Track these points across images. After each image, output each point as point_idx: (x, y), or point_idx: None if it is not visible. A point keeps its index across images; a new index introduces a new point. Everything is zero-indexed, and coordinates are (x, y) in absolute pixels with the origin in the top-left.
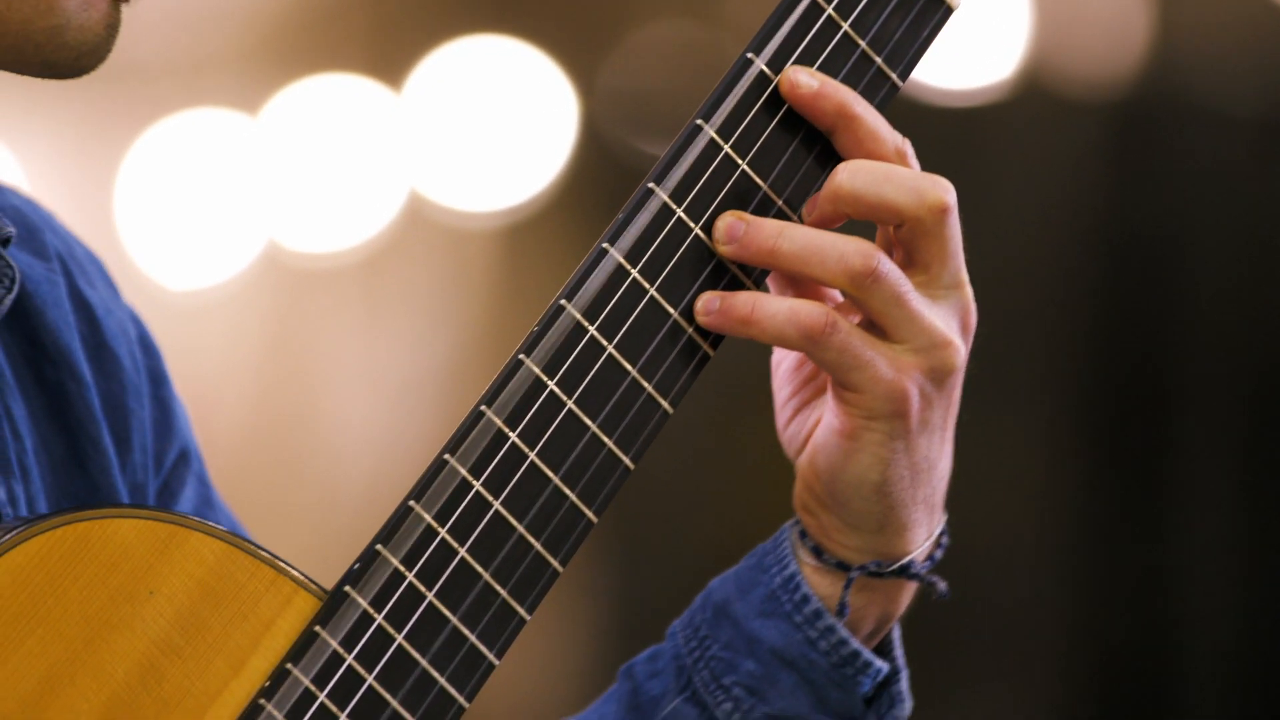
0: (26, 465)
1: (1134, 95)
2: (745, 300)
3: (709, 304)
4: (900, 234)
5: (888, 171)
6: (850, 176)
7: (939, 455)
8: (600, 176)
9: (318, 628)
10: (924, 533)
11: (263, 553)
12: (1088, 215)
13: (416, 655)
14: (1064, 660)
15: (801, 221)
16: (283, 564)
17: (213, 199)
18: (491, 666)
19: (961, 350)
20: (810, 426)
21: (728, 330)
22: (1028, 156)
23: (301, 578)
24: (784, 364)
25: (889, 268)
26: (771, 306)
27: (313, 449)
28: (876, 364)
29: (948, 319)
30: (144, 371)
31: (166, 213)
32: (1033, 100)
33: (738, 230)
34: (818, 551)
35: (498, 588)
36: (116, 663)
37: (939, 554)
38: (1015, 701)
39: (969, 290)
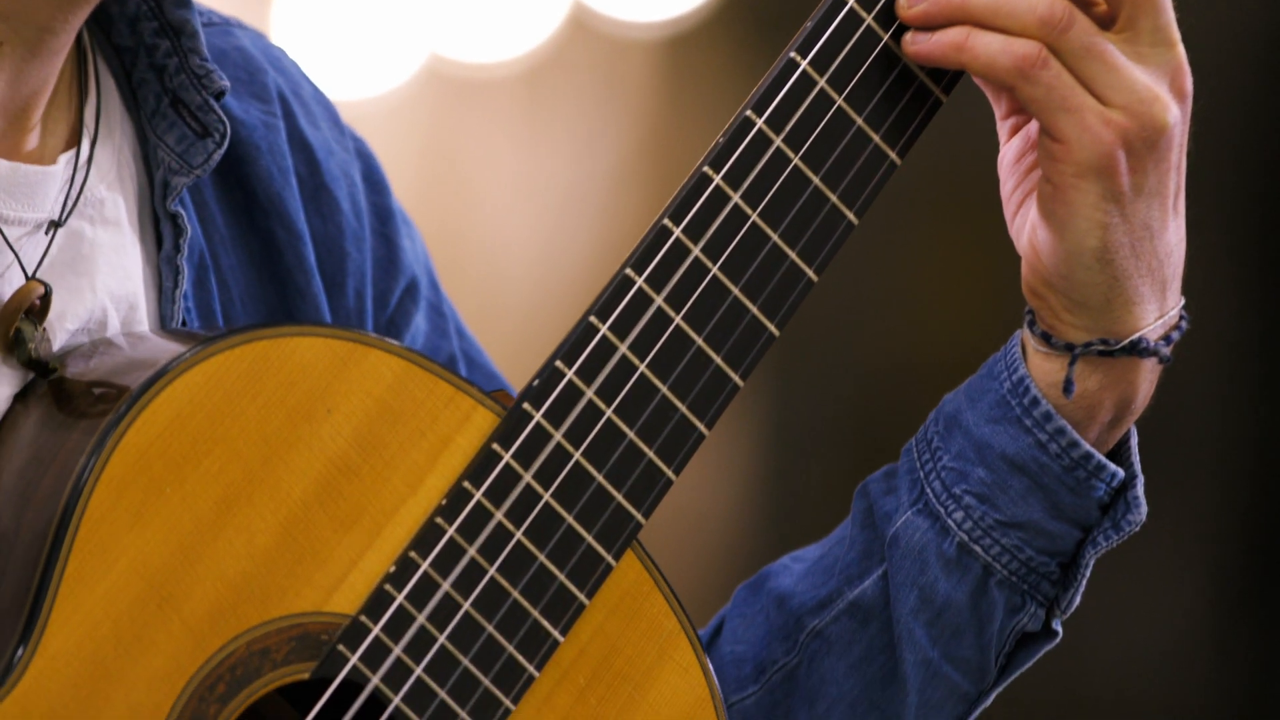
0: (232, 316)
1: None
2: (959, 30)
3: (917, 36)
4: None
5: None
6: None
7: (1161, 225)
8: None
9: (495, 445)
10: (1154, 309)
11: (442, 369)
12: None
13: (594, 472)
14: None
15: None
16: (461, 381)
17: (374, 9)
18: (669, 483)
19: (1172, 108)
20: (1035, 217)
21: (938, 57)
22: None
23: (480, 395)
24: (1007, 155)
25: (1082, 19)
26: (985, 36)
27: (473, 263)
28: (1084, 112)
29: (1155, 77)
30: (367, 210)
31: (326, 24)
32: None
33: None
34: (1046, 337)
35: (677, 403)
36: (294, 482)
37: (1176, 335)
38: None
39: (1181, 50)
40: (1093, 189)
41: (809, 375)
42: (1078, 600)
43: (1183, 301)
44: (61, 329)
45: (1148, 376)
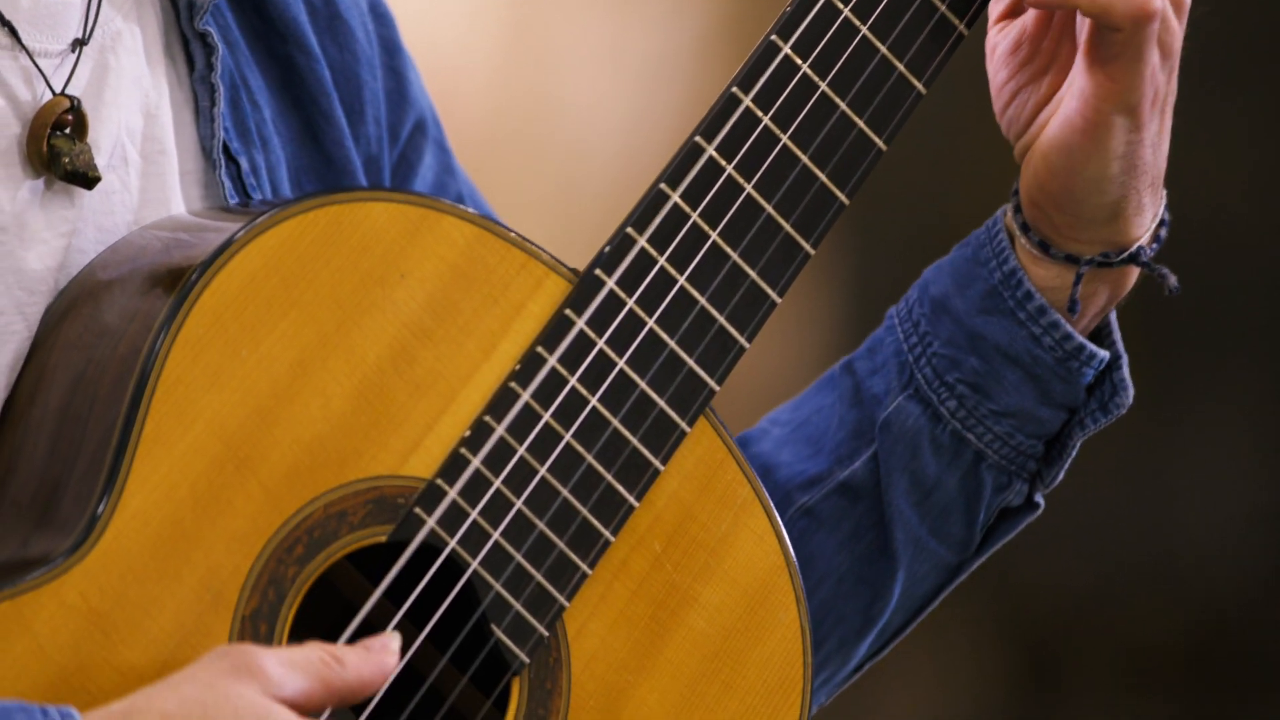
0: (266, 135)
1: None
2: None
3: None
4: None
5: None
6: None
7: (1165, 135)
8: None
9: (569, 311)
10: (1150, 216)
11: (513, 236)
12: None
13: (666, 338)
14: None
15: None
16: (533, 247)
17: None
18: (742, 349)
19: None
20: (1030, 110)
21: None
22: None
23: (552, 261)
24: (1000, 46)
25: None
26: None
27: (556, 133)
28: (1150, 62)
29: None
30: (376, 41)
31: None
32: None
33: None
34: (1044, 246)
35: (748, 270)
36: (368, 345)
37: (1164, 233)
38: None
39: None
40: (1125, 122)
41: (885, 243)
42: (1061, 475)
43: (1164, 196)
44: (96, 154)
45: (1134, 277)
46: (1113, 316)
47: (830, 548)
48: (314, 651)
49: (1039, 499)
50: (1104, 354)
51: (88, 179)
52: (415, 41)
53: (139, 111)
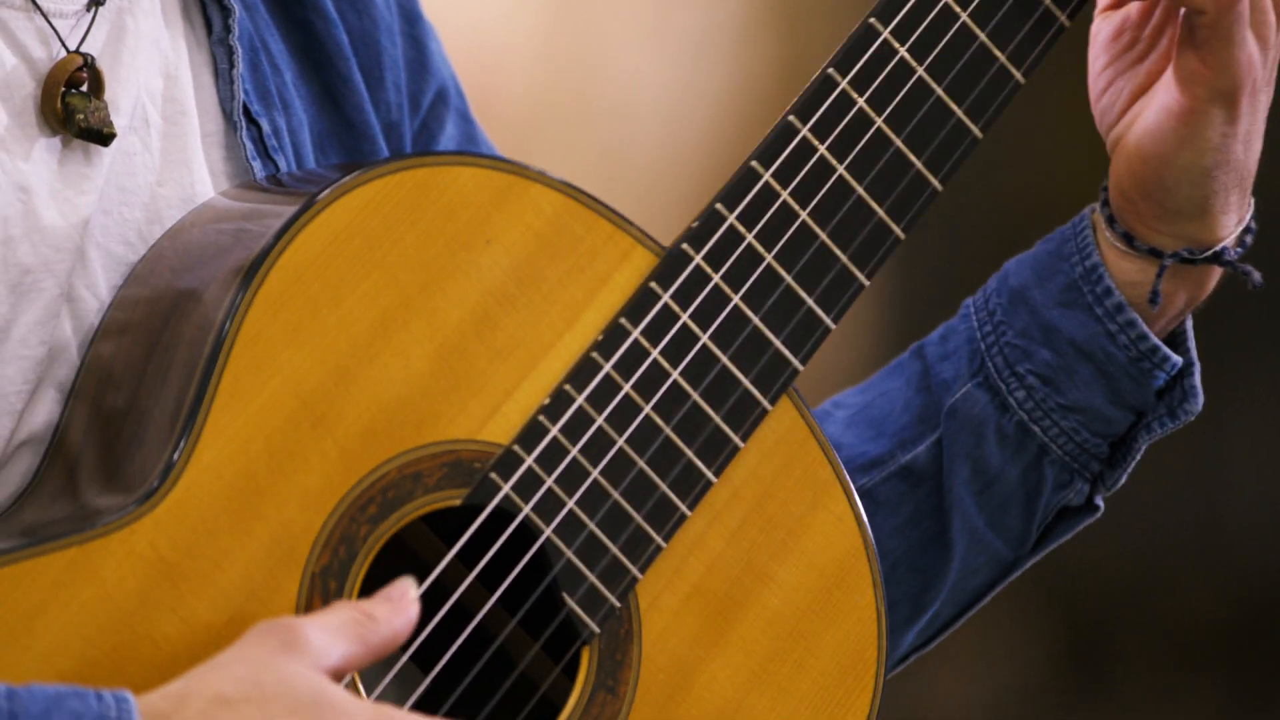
0: (287, 98)
1: None
2: None
3: None
4: None
5: None
6: None
7: (1259, 135)
8: None
9: (654, 284)
10: (1235, 218)
11: (601, 206)
12: None
13: (751, 315)
14: None
15: None
16: (621, 219)
17: None
18: (827, 330)
19: None
20: (1126, 99)
21: None
22: None
23: (639, 233)
24: (1102, 32)
25: None
26: None
27: (600, 109)
28: (1245, 45)
29: None
30: (396, 8)
31: None
32: None
33: None
34: (1129, 238)
35: (837, 251)
36: (450, 309)
37: (1249, 240)
38: None
39: None
40: (1220, 113)
41: (961, 226)
42: (1124, 479)
43: (1252, 204)
44: (117, 123)
45: (1215, 279)
46: (1188, 324)
47: (886, 531)
48: (347, 612)
49: (1099, 501)
50: (1177, 359)
51: (103, 136)
52: (460, 18)
53: (158, 73)
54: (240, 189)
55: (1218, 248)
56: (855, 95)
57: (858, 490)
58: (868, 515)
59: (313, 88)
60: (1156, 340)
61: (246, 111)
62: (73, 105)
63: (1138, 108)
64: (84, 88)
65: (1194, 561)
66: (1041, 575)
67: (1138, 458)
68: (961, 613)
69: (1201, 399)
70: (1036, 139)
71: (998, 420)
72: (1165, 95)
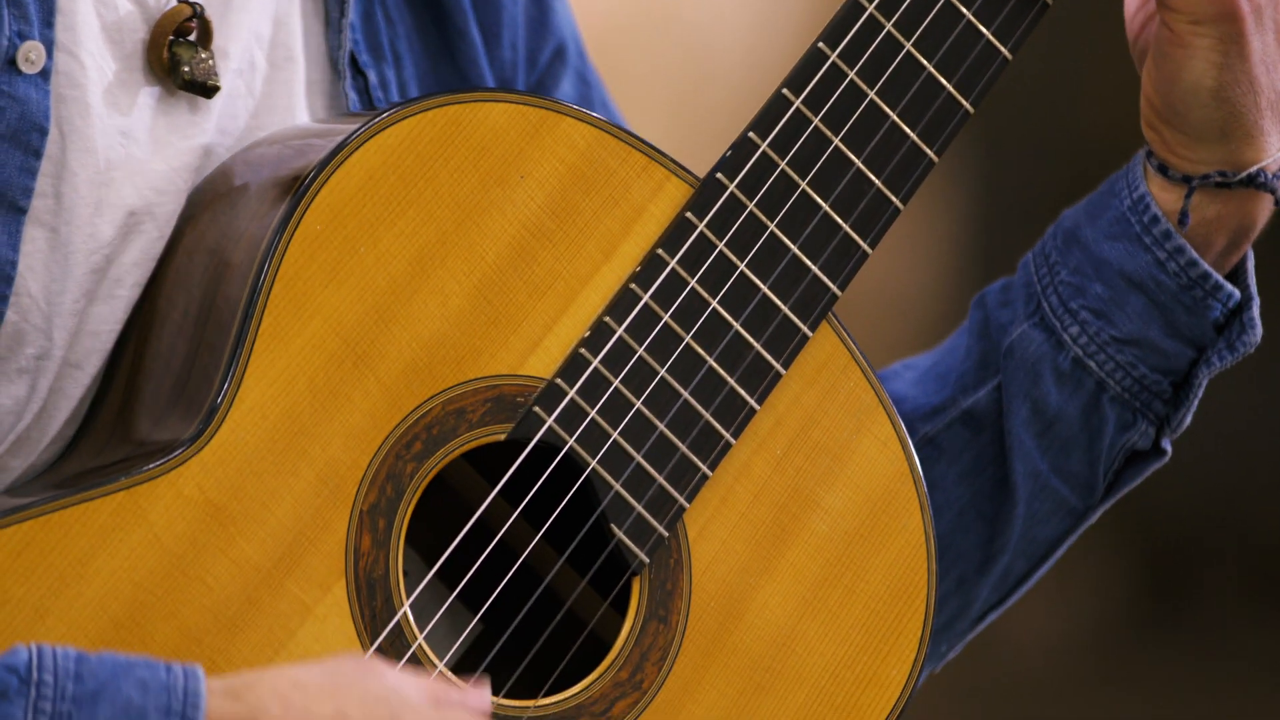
0: (399, 51)
1: None
2: None
3: None
4: None
5: None
6: None
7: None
8: None
9: (689, 214)
10: (1276, 142)
11: (634, 139)
12: None
13: (788, 242)
14: None
15: None
16: (654, 150)
17: None
18: (865, 255)
19: None
20: (1136, 28)
21: None
22: None
23: (673, 164)
24: None
25: None
26: None
27: (681, 41)
28: None
29: None
30: None
31: None
32: None
33: None
34: (1163, 169)
35: (871, 176)
36: (487, 245)
37: None
38: None
39: None
40: (1210, 33)
41: (1013, 150)
42: (1189, 420)
43: None
44: (225, 68)
45: (1267, 207)
46: (1249, 260)
47: (951, 479)
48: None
49: (1167, 445)
50: (1231, 288)
51: (207, 89)
52: None
53: (269, 18)
54: (286, 135)
55: (1252, 170)
56: (883, 20)
57: (922, 438)
58: (932, 463)
59: (428, 41)
60: (1207, 267)
61: (354, 61)
62: (179, 55)
63: (1147, 35)
64: (192, 37)
65: (1271, 492)
66: (1118, 508)
67: (1199, 395)
68: (1035, 566)
69: (1260, 331)
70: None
71: (1054, 358)
72: (1160, 27)
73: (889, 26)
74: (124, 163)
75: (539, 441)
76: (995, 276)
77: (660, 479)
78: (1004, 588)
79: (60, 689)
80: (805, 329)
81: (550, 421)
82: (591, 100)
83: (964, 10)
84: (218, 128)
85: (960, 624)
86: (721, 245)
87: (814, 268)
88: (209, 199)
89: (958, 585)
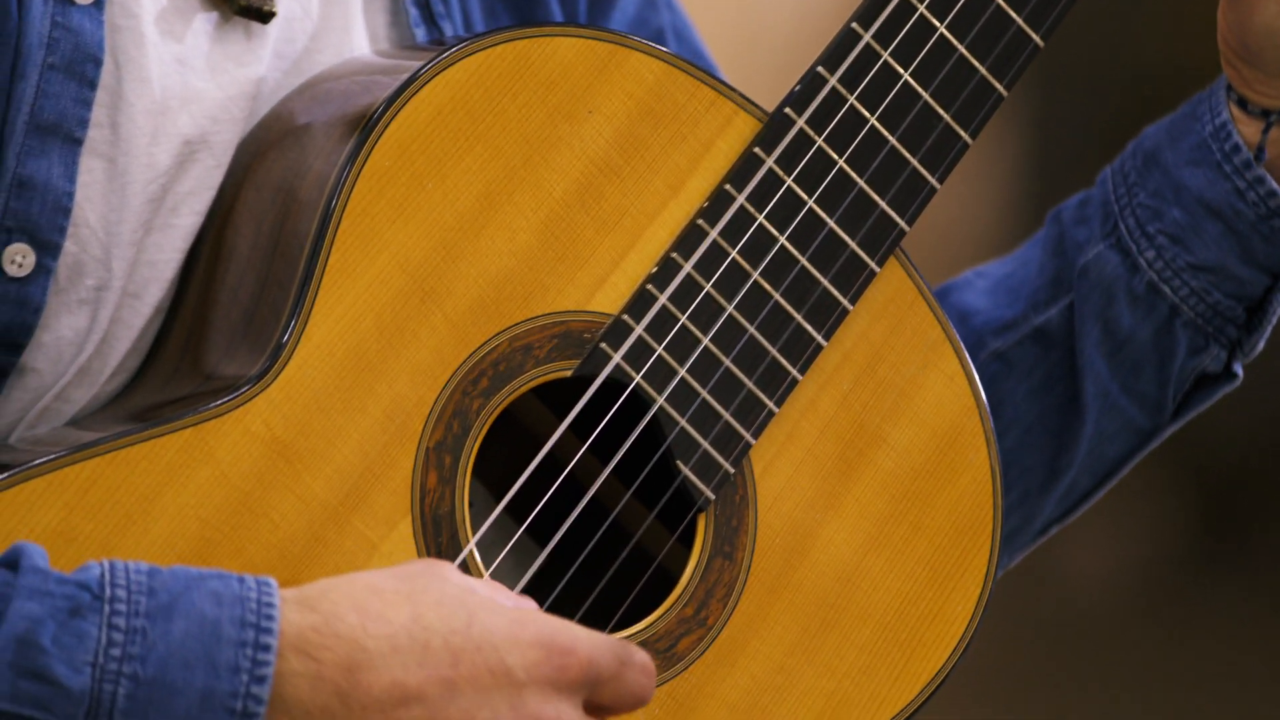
0: None
1: None
2: None
3: None
4: None
5: None
6: None
7: None
8: None
9: (758, 149)
10: None
11: (702, 73)
12: None
13: (856, 177)
14: None
15: None
16: (722, 85)
17: None
18: (933, 190)
19: None
20: None
21: None
22: None
23: (741, 99)
24: None
25: None
26: None
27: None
28: None
29: None
30: None
31: None
32: None
33: None
34: (1242, 103)
35: (940, 110)
36: (555, 181)
37: None
38: None
39: None
40: None
41: (1075, 80)
42: (1261, 345)
43: None
44: None
45: None
46: None
47: (1020, 395)
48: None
49: (1238, 369)
50: None
51: (263, 14)
52: None
53: None
54: (349, 67)
55: None
56: None
57: (991, 353)
58: (1001, 379)
59: None
60: None
61: None
62: None
63: None
64: None
65: None
66: (1174, 444)
67: (1273, 321)
68: (1100, 483)
69: None
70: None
71: (1128, 281)
72: None
73: None
74: (180, 91)
75: (606, 378)
76: (1052, 208)
77: (727, 415)
78: (1067, 503)
79: (134, 603)
80: (873, 264)
81: (617, 358)
82: (655, 3)
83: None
84: (275, 53)
85: (1022, 537)
86: (789, 181)
87: (882, 203)
88: (275, 134)
89: (1022, 499)
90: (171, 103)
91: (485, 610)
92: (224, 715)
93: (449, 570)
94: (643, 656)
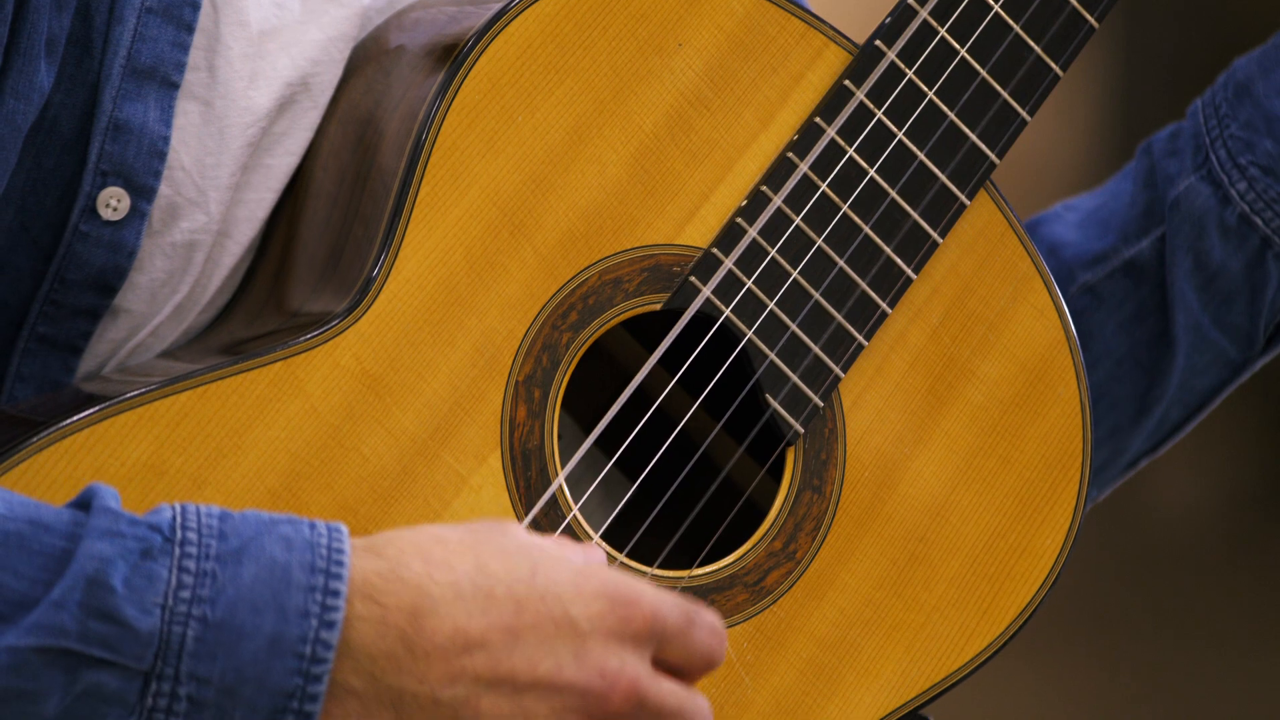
0: None
1: None
2: None
3: None
4: None
5: None
6: None
7: None
8: None
9: (848, 82)
10: None
11: (792, 6)
12: None
13: (946, 110)
14: None
15: None
16: (813, 17)
17: None
18: (1023, 123)
19: None
20: None
21: None
22: None
23: (832, 32)
24: None
25: None
26: None
27: None
28: None
29: None
30: None
31: None
32: None
33: None
34: None
35: (1030, 42)
36: (644, 114)
37: None
38: None
39: None
40: None
41: (1166, 11)
42: None
43: None
44: None
45: None
46: None
47: (1110, 328)
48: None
49: None
50: None
51: None
52: None
53: None
54: (429, 12)
55: None
56: None
57: (1082, 286)
58: (1091, 312)
59: None
60: None
61: None
62: None
63: None
64: None
65: None
66: (1257, 381)
67: None
68: (1191, 415)
69: None
70: None
71: (1220, 213)
72: None
73: None
74: (278, 33)
75: (696, 311)
76: (1140, 142)
77: (816, 349)
78: (1158, 435)
79: (204, 547)
80: (963, 197)
81: (706, 291)
82: None
83: None
84: None
85: (1111, 470)
86: (880, 114)
87: (972, 135)
88: (360, 66)
89: (1111, 433)
90: (270, 45)
91: (550, 561)
92: (292, 660)
93: (516, 527)
94: (711, 617)
